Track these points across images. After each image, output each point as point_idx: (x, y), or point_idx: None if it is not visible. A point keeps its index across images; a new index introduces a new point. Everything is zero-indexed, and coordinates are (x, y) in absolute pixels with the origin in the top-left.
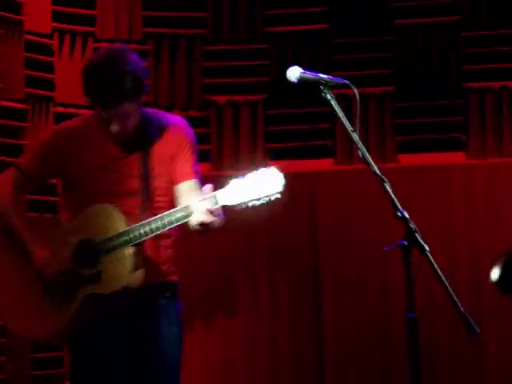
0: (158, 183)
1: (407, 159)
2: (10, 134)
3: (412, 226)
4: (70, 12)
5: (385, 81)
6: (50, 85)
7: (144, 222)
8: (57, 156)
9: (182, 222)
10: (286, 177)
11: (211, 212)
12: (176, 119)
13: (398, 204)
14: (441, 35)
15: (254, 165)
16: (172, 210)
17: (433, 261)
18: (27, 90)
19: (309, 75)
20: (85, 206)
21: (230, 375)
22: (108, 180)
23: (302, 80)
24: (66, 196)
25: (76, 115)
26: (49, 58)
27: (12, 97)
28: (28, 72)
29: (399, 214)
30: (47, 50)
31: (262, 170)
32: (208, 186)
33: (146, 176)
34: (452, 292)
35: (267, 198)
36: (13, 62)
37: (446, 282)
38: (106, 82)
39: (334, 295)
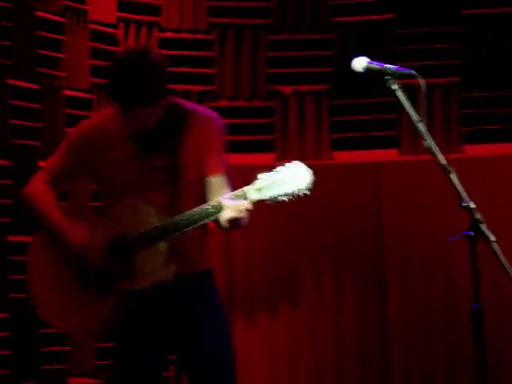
0: (187, 175)
1: (472, 150)
2: (76, 124)
3: (478, 216)
4: (135, 2)
5: (450, 71)
6: None
7: (175, 217)
8: (81, 154)
9: (213, 218)
10: (350, 167)
11: (241, 209)
12: (204, 110)
13: (463, 194)
14: (507, 25)
15: (318, 155)
16: (203, 206)
17: (498, 251)
18: (92, 79)
19: (375, 65)
20: (114, 200)
21: (294, 367)
22: (135, 173)
23: (367, 70)
24: (98, 190)
25: None
26: (114, 48)
27: (77, 86)
28: (93, 61)
29: (465, 204)
30: (112, 39)
31: (290, 166)
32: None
33: (174, 169)
34: None
35: (296, 194)
36: (78, 51)
37: (511, 272)
38: (120, 88)
39: (399, 286)
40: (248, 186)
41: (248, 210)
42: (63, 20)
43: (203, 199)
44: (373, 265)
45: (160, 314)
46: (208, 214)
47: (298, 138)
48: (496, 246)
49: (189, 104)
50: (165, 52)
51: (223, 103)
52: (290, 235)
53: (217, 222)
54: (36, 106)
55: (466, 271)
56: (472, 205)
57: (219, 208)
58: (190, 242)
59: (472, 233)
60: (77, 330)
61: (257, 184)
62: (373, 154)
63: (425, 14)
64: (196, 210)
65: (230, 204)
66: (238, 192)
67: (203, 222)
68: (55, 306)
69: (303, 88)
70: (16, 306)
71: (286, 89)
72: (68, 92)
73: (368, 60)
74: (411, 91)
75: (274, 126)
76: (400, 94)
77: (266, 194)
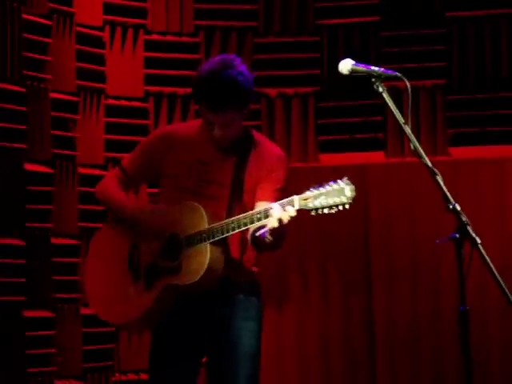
0: (246, 197)
1: (458, 152)
2: (62, 127)
3: (464, 218)
4: (121, 4)
5: (436, 73)
6: (101, 77)
7: (223, 221)
8: (156, 159)
9: (260, 223)
10: (336, 169)
11: (286, 215)
12: (277, 149)
13: (449, 196)
14: (491, 28)
15: (305, 157)
16: (251, 212)
17: (484, 253)
18: (78, 82)
19: (361, 67)
20: (173, 201)
21: (280, 369)
22: (195, 182)
23: (353, 72)
24: (161, 190)
25: (127, 107)
26: (100, 51)
27: (63, 89)
28: (79, 64)
29: (451, 206)
30: (98, 42)
31: (338, 181)
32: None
33: (236, 186)
34: (504, 285)
35: (338, 207)
36: (64, 54)
37: (497, 274)
38: (219, 86)
39: (385, 288)
40: (296, 196)
41: (292, 217)
42: (49, 23)
43: None
44: (359, 266)
45: (199, 317)
46: (256, 219)
47: (285, 140)
48: (482, 248)
49: (264, 137)
50: (151, 54)
51: None
52: None
53: (254, 239)
54: (22, 108)
55: (452, 273)
56: (458, 207)
57: (267, 213)
58: (241, 250)
59: (458, 235)
60: (121, 320)
61: (304, 195)
62: (359, 157)
63: (410, 16)
64: (245, 214)
65: (277, 209)
66: (286, 200)
67: (250, 226)
68: (105, 298)
69: (289, 90)
70: (1, 309)
71: (272, 91)
72: (54, 95)
73: (354, 62)
74: (397, 93)
75: (260, 129)
76: (386, 96)
77: (310, 205)
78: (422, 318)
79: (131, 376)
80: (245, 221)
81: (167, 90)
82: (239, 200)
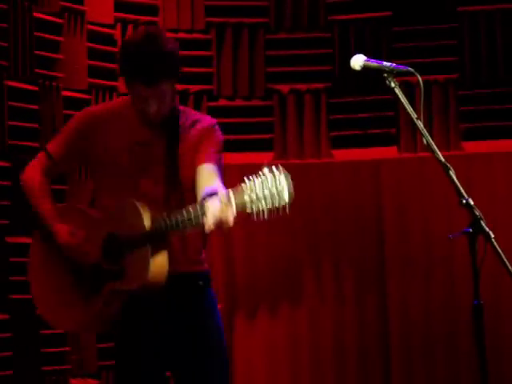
0: (183, 173)
1: (471, 146)
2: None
3: (477, 213)
4: (133, 2)
5: (448, 68)
6: (112, 75)
7: (163, 218)
8: (82, 140)
9: (198, 221)
10: (349, 165)
11: (224, 211)
12: (206, 117)
13: (462, 191)
14: (503, 22)
15: (318, 153)
16: (187, 208)
17: (498, 248)
18: (90, 80)
19: (373, 63)
20: (108, 191)
21: (294, 365)
22: (131, 164)
23: (365, 68)
24: (93, 180)
25: None
26: (111, 48)
27: (75, 87)
28: (91, 62)
29: (464, 201)
30: (110, 40)
31: (274, 172)
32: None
33: (172, 164)
34: None
35: (276, 205)
36: (76, 52)
37: (511, 268)
38: (149, 59)
39: (399, 283)
40: (231, 189)
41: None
42: (61, 21)
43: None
44: (373, 262)
45: (154, 313)
46: (194, 217)
47: (297, 136)
48: (495, 243)
49: (190, 109)
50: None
51: (222, 102)
52: (290, 234)
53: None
54: (34, 106)
55: (466, 268)
56: (471, 202)
57: (203, 210)
58: (184, 242)
59: (471, 230)
60: (70, 327)
61: (240, 188)
62: (372, 152)
63: (422, 11)
64: (184, 214)
65: (213, 206)
66: (221, 194)
67: (190, 226)
68: (52, 304)
69: (301, 86)
70: (16, 307)
71: (285, 87)
72: (66, 93)
73: (366, 58)
74: (409, 88)
75: (272, 125)
76: (398, 92)
77: (247, 199)
78: (436, 312)
79: None
80: (186, 223)
81: (179, 87)
82: (176, 177)
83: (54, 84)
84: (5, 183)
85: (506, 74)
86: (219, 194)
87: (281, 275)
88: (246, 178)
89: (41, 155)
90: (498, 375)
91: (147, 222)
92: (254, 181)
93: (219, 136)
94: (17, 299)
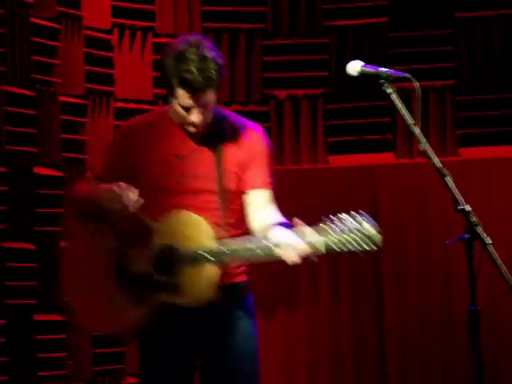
0: (231, 186)
1: (468, 153)
2: (71, 130)
3: (473, 219)
4: (130, 7)
5: (445, 74)
6: (109, 80)
7: (233, 245)
8: (126, 155)
9: (270, 258)
10: (346, 170)
11: (299, 252)
12: (252, 124)
13: (458, 197)
14: (500, 28)
15: (314, 159)
16: (263, 243)
17: (494, 254)
18: (87, 85)
19: (369, 69)
20: (150, 202)
21: (291, 368)
22: (178, 178)
23: (362, 74)
24: (140, 193)
25: (136, 110)
26: (108, 54)
27: (72, 92)
28: (88, 67)
29: (460, 207)
30: (107, 45)
31: (358, 220)
32: (298, 220)
33: (221, 177)
34: None
35: (358, 249)
36: (73, 57)
37: (507, 274)
38: (197, 67)
39: (396, 289)
40: (310, 229)
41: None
42: (58, 26)
43: (245, 213)
44: (369, 267)
45: (192, 324)
46: (272, 254)
47: (294, 142)
48: (492, 249)
49: (234, 114)
50: (159, 57)
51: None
52: None
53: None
54: (31, 112)
55: (462, 274)
56: (468, 208)
57: (284, 248)
58: None
59: (468, 236)
60: (108, 329)
61: (321, 230)
62: (368, 158)
63: (419, 17)
64: (260, 244)
65: (297, 247)
66: (305, 236)
67: (259, 259)
68: (87, 302)
69: (298, 92)
70: (12, 312)
71: (281, 93)
72: (63, 98)
73: (362, 64)
74: (406, 95)
75: (269, 131)
76: (395, 98)
77: (328, 245)
78: (432, 318)
79: None
80: (260, 253)
81: None
82: (227, 191)
83: (51, 89)
84: (2, 188)
85: (503, 80)
86: (300, 230)
87: (277, 281)
88: (327, 219)
89: (89, 176)
90: (494, 381)
91: (209, 238)
92: (336, 223)
93: (268, 147)
94: (12, 304)
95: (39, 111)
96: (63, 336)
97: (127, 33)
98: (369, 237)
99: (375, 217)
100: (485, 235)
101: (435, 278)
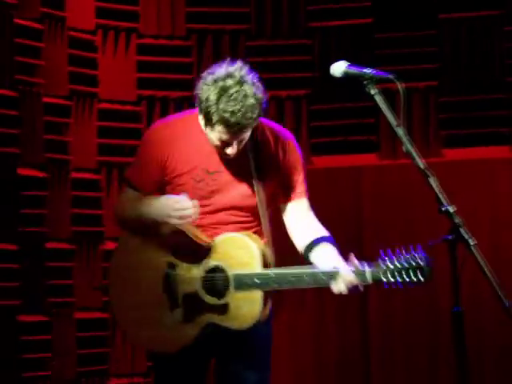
0: (268, 200)
1: (451, 153)
2: (54, 131)
3: (457, 220)
4: (114, 8)
5: (429, 75)
6: (93, 81)
7: (283, 271)
8: (162, 163)
9: (318, 285)
10: (330, 171)
11: (353, 284)
12: (285, 132)
13: (442, 198)
14: (483, 29)
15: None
16: (316, 270)
17: (478, 255)
18: (71, 86)
19: (353, 70)
20: (201, 223)
21: (274, 375)
22: (218, 195)
23: (346, 74)
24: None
25: (120, 111)
26: (92, 55)
27: (56, 93)
28: (72, 68)
29: (444, 208)
30: (91, 46)
31: (414, 257)
32: (352, 256)
33: (259, 193)
34: (497, 286)
35: (411, 283)
36: (56, 58)
37: (491, 276)
38: (239, 108)
39: (379, 290)
40: (370, 269)
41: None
42: (41, 27)
43: (286, 223)
44: None
45: (220, 337)
46: (320, 280)
47: None
48: (476, 250)
49: (265, 121)
50: (143, 58)
51: None
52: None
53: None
54: (15, 112)
55: (446, 275)
56: (452, 209)
57: (332, 277)
58: None
59: (452, 237)
60: (150, 346)
61: (378, 268)
62: (352, 159)
63: (402, 18)
64: (308, 271)
65: (347, 278)
66: (361, 271)
67: (309, 286)
68: (134, 319)
69: (282, 93)
70: None
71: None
72: (47, 99)
73: (346, 65)
74: (390, 95)
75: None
76: (379, 99)
77: (383, 278)
78: (417, 319)
79: (125, 380)
80: (308, 280)
81: (160, 93)
82: (265, 207)
83: (34, 90)
84: None
85: (486, 81)
86: (356, 268)
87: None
88: (384, 255)
89: (123, 190)
90: (478, 381)
91: (258, 261)
92: (391, 260)
93: (302, 158)
94: None
95: (22, 112)
96: (48, 337)
97: (111, 34)
98: (419, 268)
99: (359, 218)
100: (468, 236)
101: None
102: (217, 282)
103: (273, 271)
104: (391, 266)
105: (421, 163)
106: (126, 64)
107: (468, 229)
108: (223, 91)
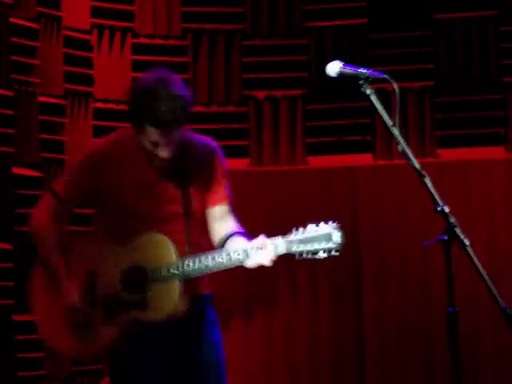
0: (196, 206)
1: (446, 154)
2: (50, 130)
3: (452, 220)
4: (109, 8)
5: (424, 75)
6: (89, 80)
7: (199, 259)
8: (94, 180)
9: (236, 265)
10: (325, 171)
11: (266, 261)
12: (209, 141)
13: (437, 198)
14: (479, 30)
15: (293, 160)
16: (230, 252)
17: (472, 255)
18: (66, 85)
19: (348, 70)
20: (119, 227)
21: (270, 372)
22: (146, 204)
23: (341, 74)
24: (101, 215)
25: (115, 111)
26: (88, 54)
27: (51, 92)
28: (67, 68)
29: (439, 208)
30: (86, 45)
31: (324, 226)
32: (262, 237)
33: (186, 200)
34: (492, 286)
35: (325, 253)
36: (52, 57)
37: (485, 276)
38: (167, 106)
39: (375, 290)
40: (279, 238)
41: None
42: (37, 26)
43: (207, 229)
44: (349, 268)
45: (166, 341)
46: (235, 260)
47: (273, 143)
48: (470, 250)
49: (189, 133)
50: (138, 58)
51: (197, 109)
52: None
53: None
54: (10, 112)
55: (441, 275)
56: (446, 209)
57: (246, 257)
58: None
59: (446, 237)
60: (73, 352)
61: (289, 237)
62: (347, 159)
63: (398, 18)
64: (223, 255)
65: (257, 254)
66: (270, 241)
67: (225, 268)
68: (57, 329)
69: (277, 93)
70: None
71: (260, 94)
72: (42, 98)
73: (342, 65)
74: (385, 96)
75: (248, 132)
76: (374, 99)
77: (294, 249)
78: (411, 319)
79: None
80: (222, 261)
81: None
82: (194, 212)
83: (30, 89)
84: None
85: (481, 81)
86: (263, 242)
87: (255, 283)
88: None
89: (46, 198)
90: (472, 381)
91: (173, 254)
92: (305, 233)
93: (225, 165)
94: None
95: (18, 111)
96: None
97: (106, 33)
98: (328, 235)
99: (354, 218)
100: (463, 236)
101: (414, 279)
102: (136, 279)
103: (188, 259)
104: (302, 235)
105: (416, 163)
106: (122, 64)
107: (463, 229)
108: (152, 94)
